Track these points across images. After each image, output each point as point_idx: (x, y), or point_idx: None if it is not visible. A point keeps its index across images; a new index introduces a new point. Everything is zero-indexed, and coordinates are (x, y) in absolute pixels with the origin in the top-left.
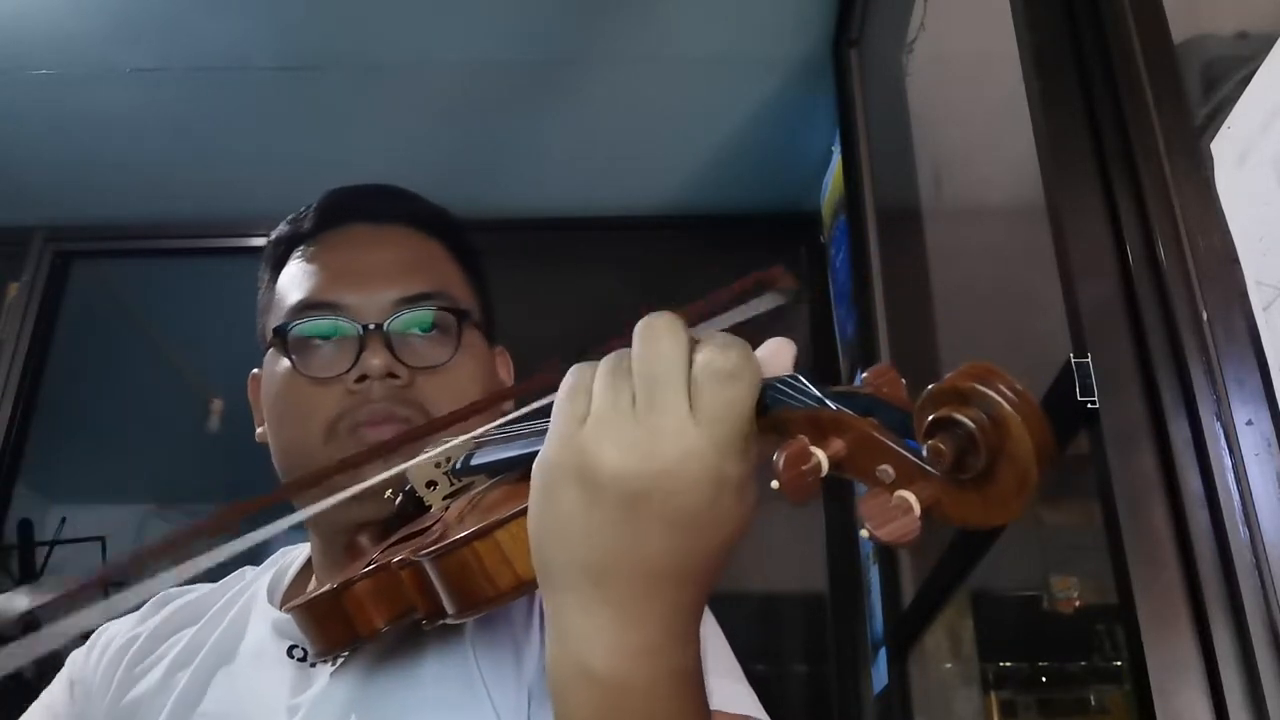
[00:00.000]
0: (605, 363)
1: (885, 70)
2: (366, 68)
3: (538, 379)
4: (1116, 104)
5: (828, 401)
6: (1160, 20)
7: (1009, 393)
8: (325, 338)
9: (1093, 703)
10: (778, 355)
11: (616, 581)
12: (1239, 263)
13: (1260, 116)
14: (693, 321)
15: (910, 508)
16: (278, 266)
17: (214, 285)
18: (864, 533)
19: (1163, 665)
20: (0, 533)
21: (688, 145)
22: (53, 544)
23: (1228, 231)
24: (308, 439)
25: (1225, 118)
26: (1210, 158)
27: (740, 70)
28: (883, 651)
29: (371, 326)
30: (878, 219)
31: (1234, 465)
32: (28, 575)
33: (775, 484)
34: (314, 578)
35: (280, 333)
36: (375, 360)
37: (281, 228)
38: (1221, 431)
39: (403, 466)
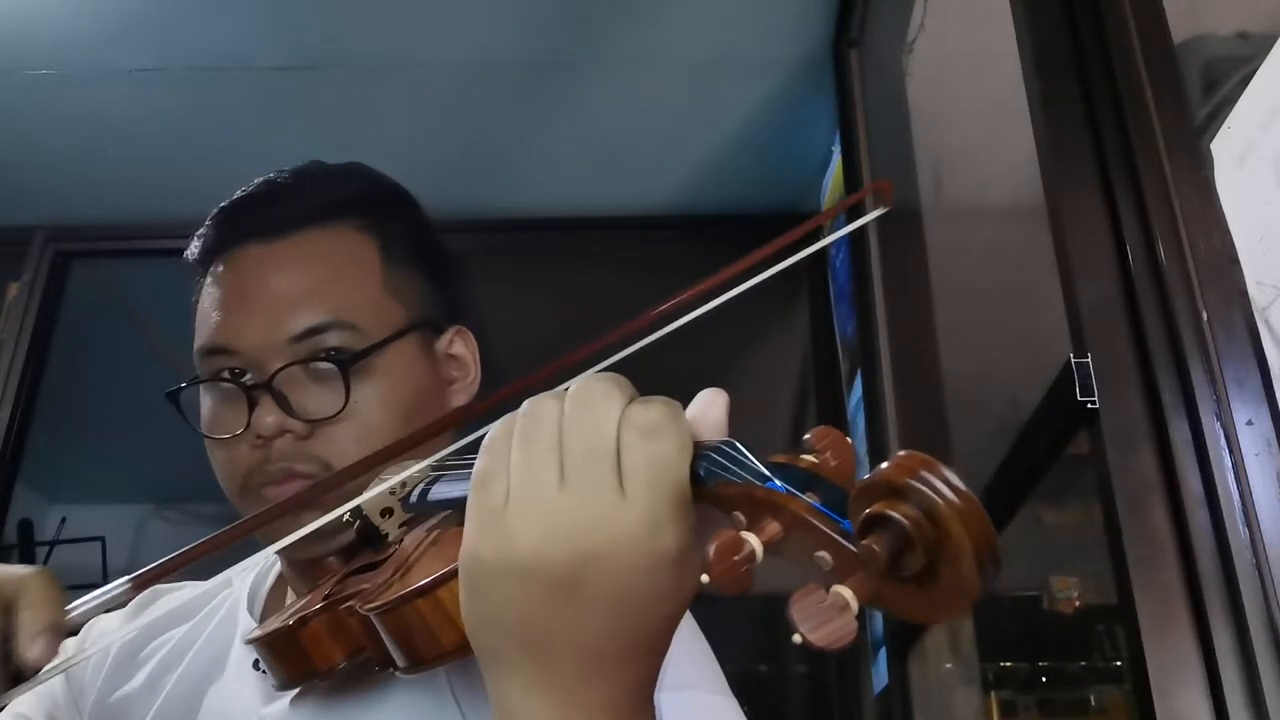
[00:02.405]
0: (519, 438)
1: (885, 70)
2: (366, 68)
3: (498, 395)
4: (1116, 104)
5: (766, 475)
6: (1160, 20)
7: (945, 489)
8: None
9: (1093, 703)
10: (710, 410)
11: (556, 665)
12: (1239, 263)
13: (1260, 116)
14: (800, 244)
15: (846, 606)
16: (199, 279)
17: None
18: (796, 638)
19: (1163, 665)
20: (0, 533)
21: (688, 145)
22: (53, 544)
23: (1228, 231)
24: (229, 491)
25: (1225, 118)
26: (1210, 158)
27: (740, 70)
28: (883, 651)
29: (261, 382)
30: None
31: (1234, 465)
32: None
33: (705, 578)
34: (288, 589)
35: (173, 399)
36: (268, 419)
37: (191, 245)
38: (1221, 431)
39: (361, 499)
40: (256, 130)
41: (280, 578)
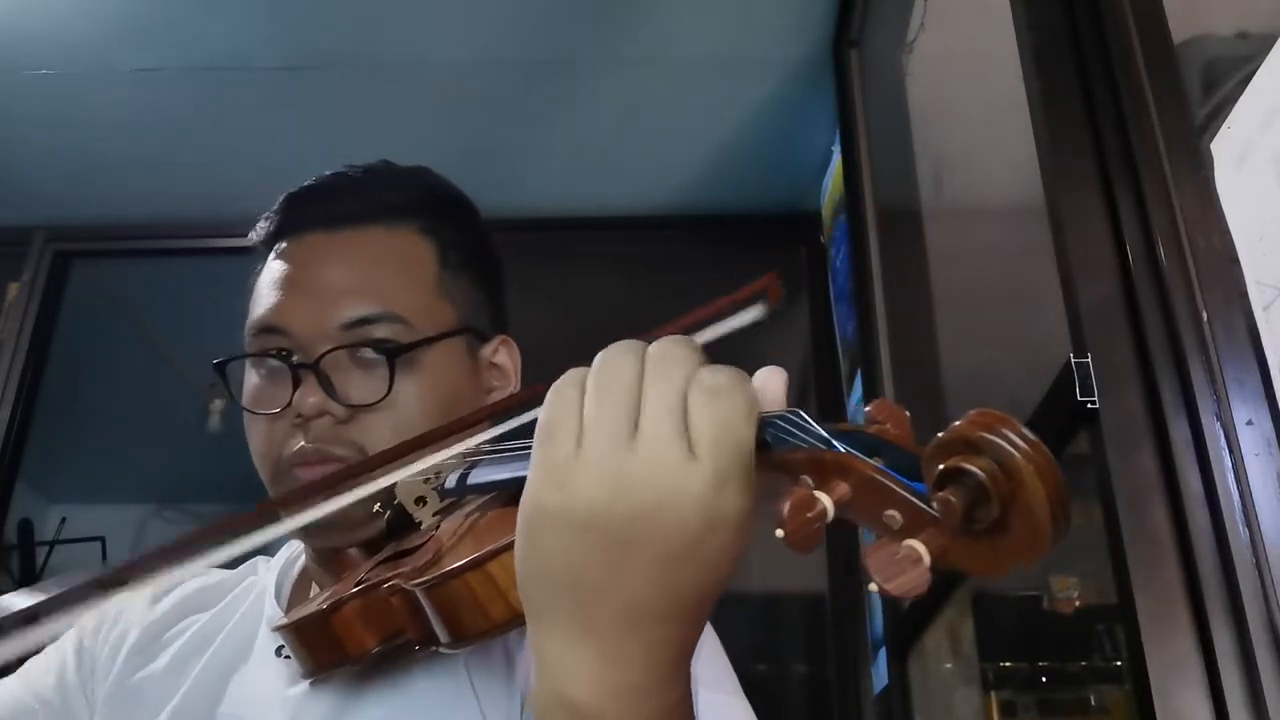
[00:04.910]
0: (594, 391)
1: (885, 70)
2: (367, 68)
3: (514, 397)
4: (1116, 104)
5: (833, 442)
6: (1160, 20)
7: (1021, 442)
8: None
9: (1093, 703)
10: (768, 385)
11: (601, 618)
12: (1239, 263)
13: (1260, 116)
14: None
15: (920, 558)
16: (262, 259)
17: (214, 285)
18: (872, 587)
19: (1163, 665)
20: (0, 532)
21: (688, 145)
22: (53, 544)
23: (1228, 231)
24: (263, 471)
25: (1225, 118)
26: (1210, 158)
27: (740, 70)
28: (883, 651)
29: (308, 363)
30: (878, 219)
31: (1234, 465)
32: (28, 575)
33: (780, 533)
34: (311, 584)
35: (219, 369)
36: (310, 399)
37: (258, 225)
38: (1221, 431)
39: (399, 475)
40: (256, 130)
41: (303, 573)
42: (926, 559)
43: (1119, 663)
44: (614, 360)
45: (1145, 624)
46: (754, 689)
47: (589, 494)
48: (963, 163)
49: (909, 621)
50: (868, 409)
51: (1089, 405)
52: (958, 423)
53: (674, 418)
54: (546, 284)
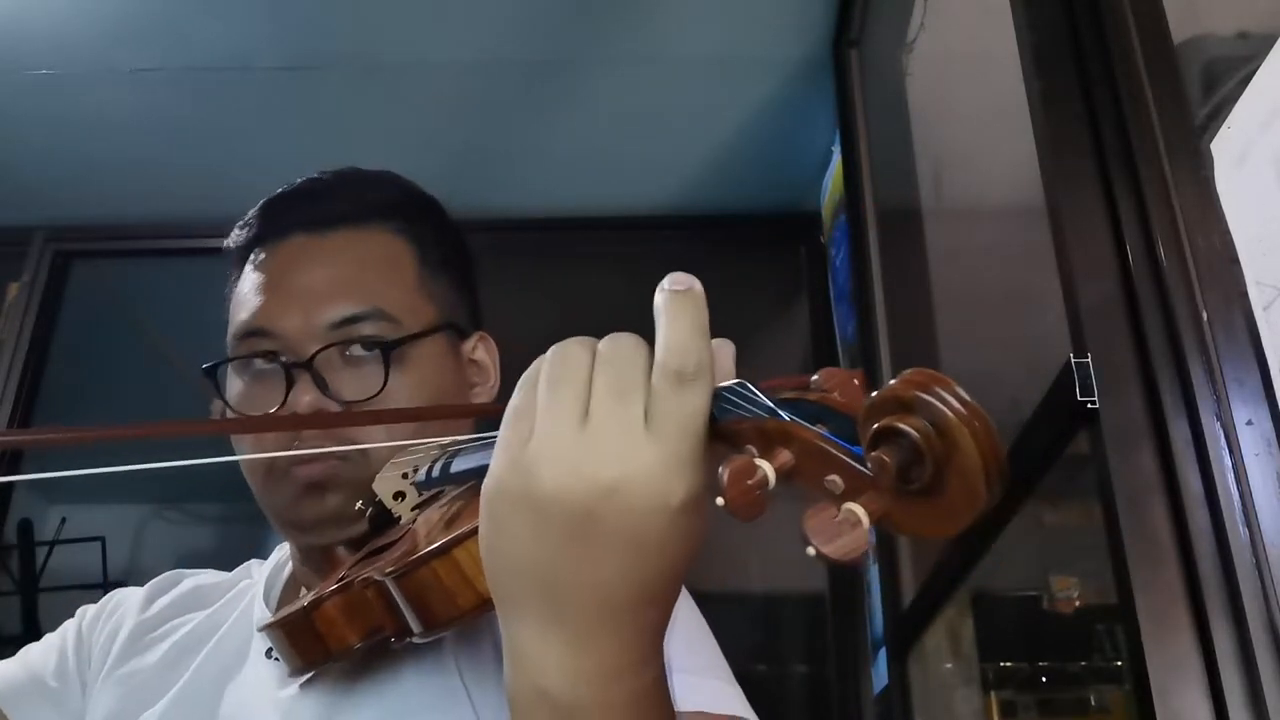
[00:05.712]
0: (545, 378)
1: (885, 70)
2: (367, 68)
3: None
4: (1116, 104)
5: (777, 410)
6: (1160, 20)
7: (955, 402)
8: (261, 364)
9: (1093, 703)
10: (718, 360)
11: (570, 608)
12: (1239, 263)
13: (1260, 116)
14: None
15: (858, 522)
16: (238, 268)
17: (214, 285)
18: (810, 551)
19: (1163, 665)
20: (0, 533)
21: (688, 145)
22: (53, 544)
23: (1228, 231)
24: (254, 477)
25: (1225, 118)
26: (1210, 158)
27: (740, 70)
28: (883, 651)
29: (300, 363)
30: (878, 219)
31: (1234, 465)
32: (28, 575)
33: (720, 501)
34: (300, 589)
35: (210, 374)
36: (305, 398)
37: (234, 233)
38: (1221, 431)
39: (399, 448)
40: (256, 130)
41: (293, 576)
42: (866, 522)
43: (1119, 663)
44: (565, 351)
45: (1145, 624)
46: (754, 689)
47: (542, 478)
48: (963, 163)
49: (909, 621)
50: (815, 376)
51: (1089, 405)
52: (892, 381)
53: (625, 401)
54: (547, 284)
